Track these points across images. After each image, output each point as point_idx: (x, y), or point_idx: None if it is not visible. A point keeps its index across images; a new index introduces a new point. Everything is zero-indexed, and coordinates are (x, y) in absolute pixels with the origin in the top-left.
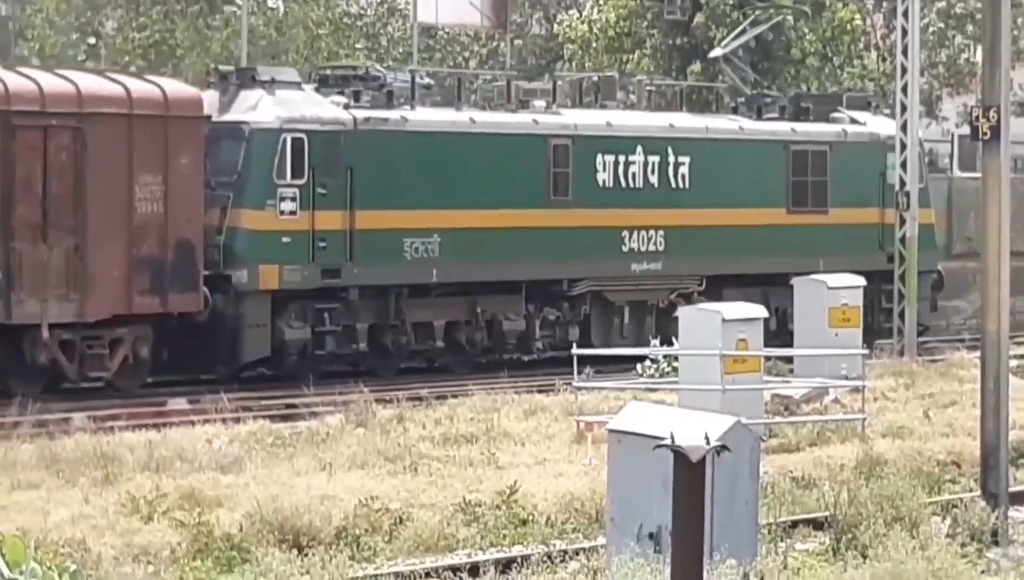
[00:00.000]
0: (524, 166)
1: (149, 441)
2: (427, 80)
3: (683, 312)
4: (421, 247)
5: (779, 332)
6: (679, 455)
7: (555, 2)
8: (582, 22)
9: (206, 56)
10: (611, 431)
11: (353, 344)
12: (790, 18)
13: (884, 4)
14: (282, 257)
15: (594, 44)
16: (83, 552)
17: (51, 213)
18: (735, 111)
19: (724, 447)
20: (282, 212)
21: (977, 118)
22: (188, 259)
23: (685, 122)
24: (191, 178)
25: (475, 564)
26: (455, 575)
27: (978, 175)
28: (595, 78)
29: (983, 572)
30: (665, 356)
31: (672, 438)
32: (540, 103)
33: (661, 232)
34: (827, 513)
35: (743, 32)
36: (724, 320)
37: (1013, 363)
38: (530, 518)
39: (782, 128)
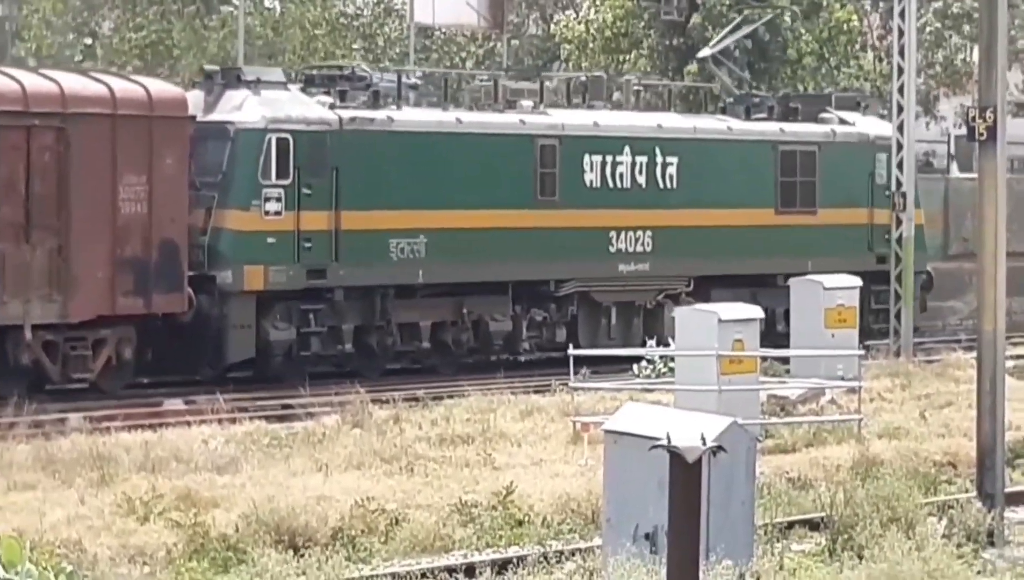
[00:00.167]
0: (511, 166)
1: (145, 442)
2: (414, 80)
3: (679, 313)
4: (407, 248)
5: (768, 333)
6: (675, 456)
7: (552, 2)
8: (579, 22)
9: (203, 57)
10: (607, 432)
11: (339, 345)
12: (787, 19)
13: (881, 4)
14: (267, 258)
15: (591, 45)
16: (79, 553)
17: (34, 213)
18: (723, 111)
19: (720, 448)
20: (267, 212)
21: (974, 118)
22: (172, 260)
23: (673, 122)
24: (176, 178)
25: (471, 565)
26: (451, 576)
27: (975, 176)
28: (583, 78)
29: (979, 573)
30: (661, 357)
31: (668, 439)
32: (527, 103)
33: (649, 233)
34: (823, 514)
35: (732, 32)
36: (720, 321)
37: (1009, 364)
38: (526, 519)
39: (770, 128)
